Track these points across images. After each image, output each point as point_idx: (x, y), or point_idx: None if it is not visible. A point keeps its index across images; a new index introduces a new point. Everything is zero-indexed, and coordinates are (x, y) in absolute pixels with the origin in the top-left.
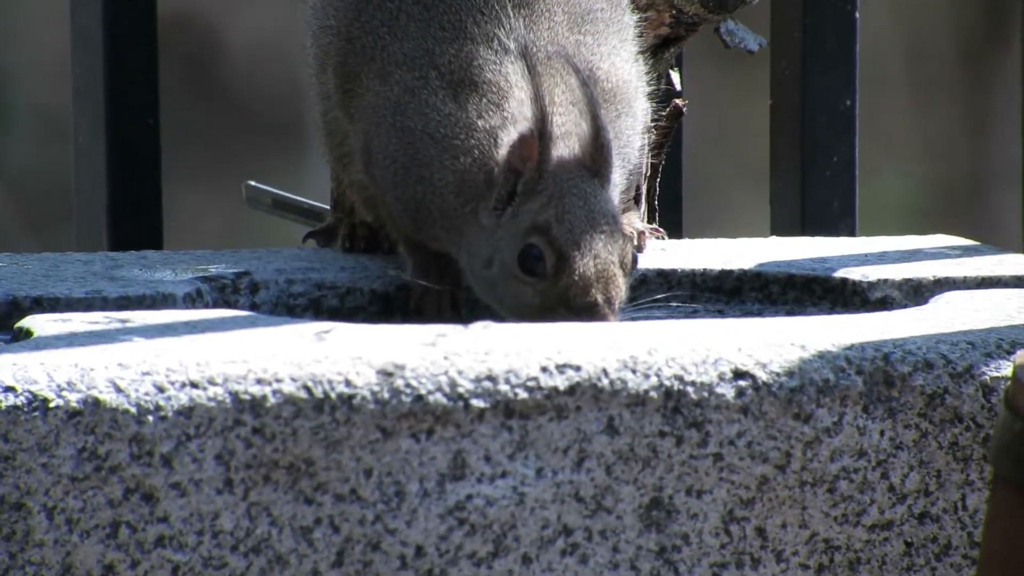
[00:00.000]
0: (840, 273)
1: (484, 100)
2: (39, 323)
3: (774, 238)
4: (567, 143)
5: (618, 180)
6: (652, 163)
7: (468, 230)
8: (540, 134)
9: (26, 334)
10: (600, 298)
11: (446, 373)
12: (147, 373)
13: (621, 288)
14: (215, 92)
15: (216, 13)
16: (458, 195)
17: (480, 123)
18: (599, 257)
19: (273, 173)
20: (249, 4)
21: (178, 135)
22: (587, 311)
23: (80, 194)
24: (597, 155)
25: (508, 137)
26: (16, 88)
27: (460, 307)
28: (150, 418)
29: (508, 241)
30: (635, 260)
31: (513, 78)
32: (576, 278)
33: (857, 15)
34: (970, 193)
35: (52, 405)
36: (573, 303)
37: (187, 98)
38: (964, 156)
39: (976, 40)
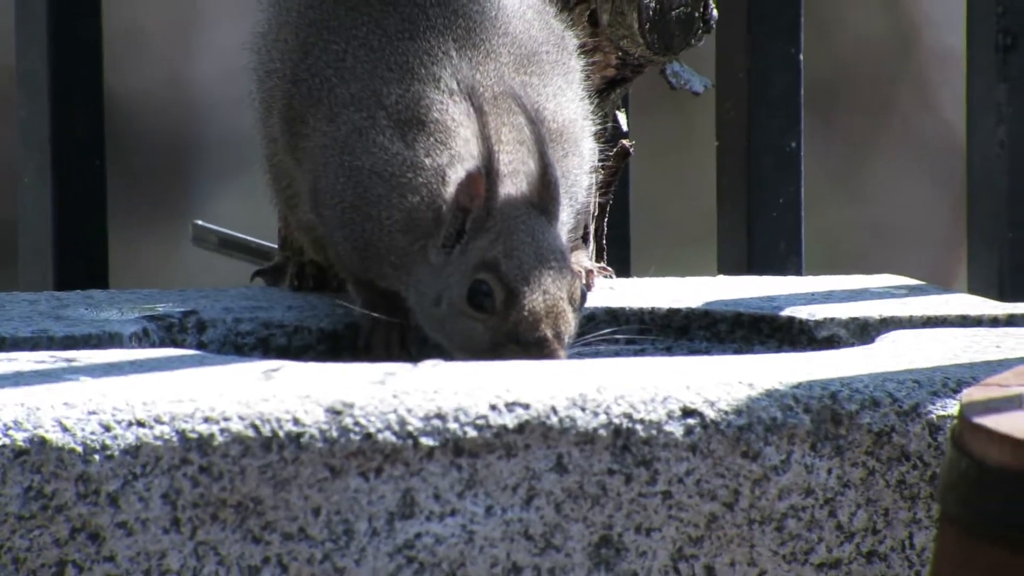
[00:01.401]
0: (787, 312)
1: (432, 139)
2: None
3: (722, 277)
4: (515, 181)
5: (566, 219)
6: (600, 202)
7: (416, 268)
8: (487, 171)
9: None
10: (550, 333)
11: (395, 411)
12: (93, 412)
13: (571, 323)
14: (134, 135)
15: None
16: (406, 233)
17: (428, 161)
18: (548, 292)
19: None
20: (136, 49)
21: (122, 175)
22: (536, 346)
23: (25, 234)
24: (545, 192)
25: (456, 175)
26: None
27: (409, 345)
28: (96, 457)
29: (457, 278)
30: (584, 296)
31: (460, 117)
32: (526, 313)
33: (801, 57)
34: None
35: None
36: (523, 338)
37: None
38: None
39: (875, 83)
